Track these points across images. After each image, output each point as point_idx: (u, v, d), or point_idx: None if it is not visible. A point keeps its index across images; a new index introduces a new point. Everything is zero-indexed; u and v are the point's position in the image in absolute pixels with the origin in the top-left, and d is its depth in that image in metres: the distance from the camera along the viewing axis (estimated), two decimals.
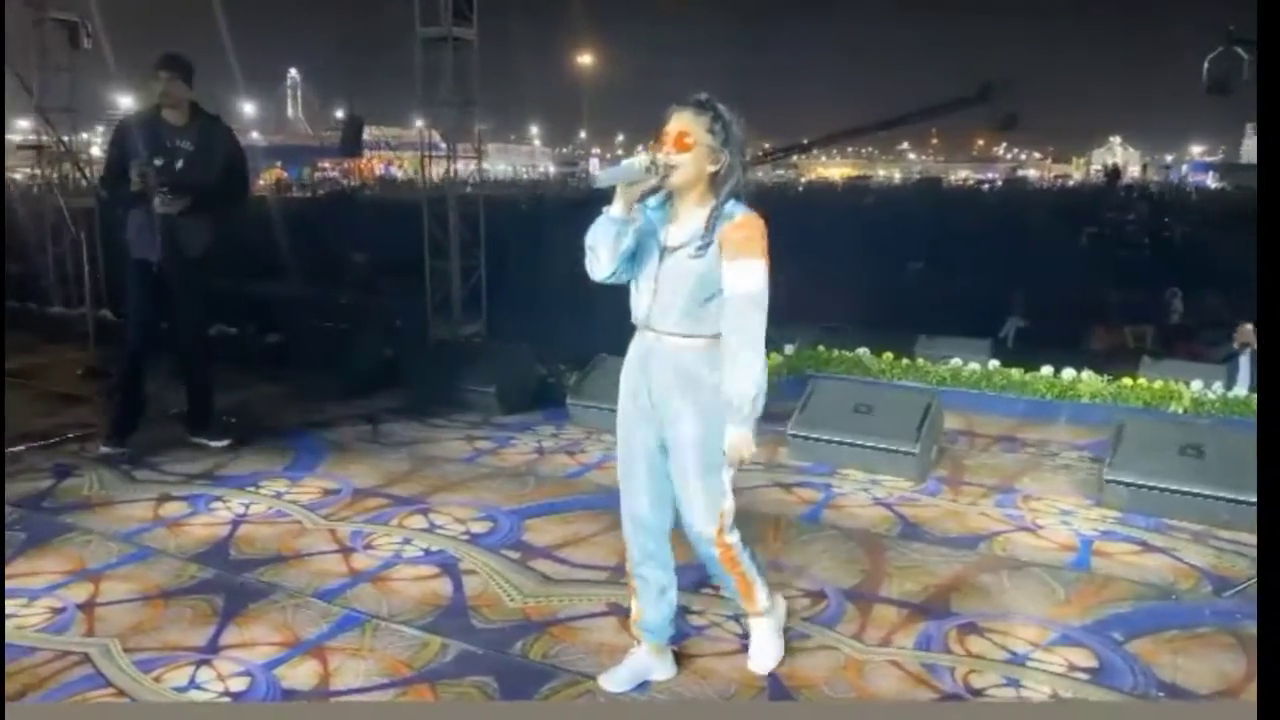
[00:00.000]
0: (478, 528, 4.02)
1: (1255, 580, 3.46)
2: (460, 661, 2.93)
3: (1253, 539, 3.93)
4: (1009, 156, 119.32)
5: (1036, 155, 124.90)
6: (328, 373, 6.49)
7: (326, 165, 66.77)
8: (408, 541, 3.87)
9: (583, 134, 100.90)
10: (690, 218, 2.52)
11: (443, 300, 8.37)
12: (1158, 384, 6.01)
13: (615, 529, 3.95)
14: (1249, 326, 7.01)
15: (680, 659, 2.91)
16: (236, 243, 5.83)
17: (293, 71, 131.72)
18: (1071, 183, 74.11)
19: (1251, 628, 3.18)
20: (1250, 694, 2.77)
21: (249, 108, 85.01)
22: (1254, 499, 4.00)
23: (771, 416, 5.41)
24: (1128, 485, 4.29)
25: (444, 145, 8.89)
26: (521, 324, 7.73)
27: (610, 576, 3.55)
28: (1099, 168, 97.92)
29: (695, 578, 3.24)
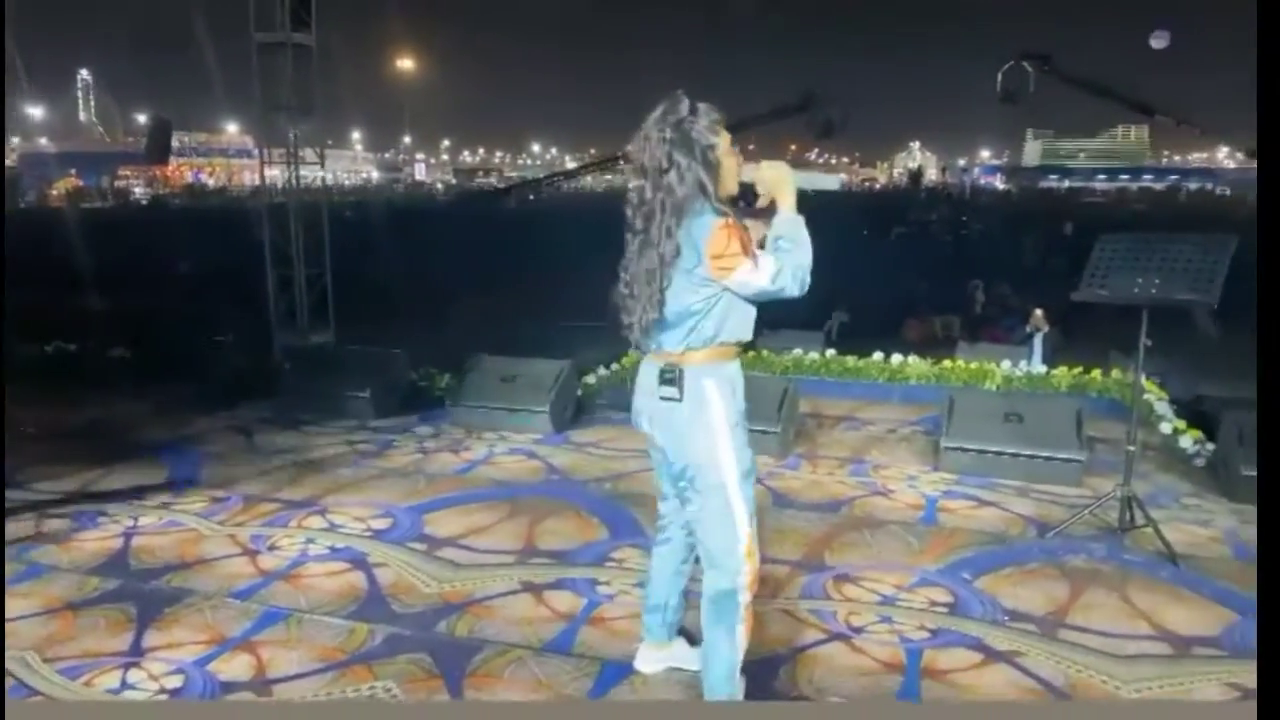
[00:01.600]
0: (379, 524, 4.15)
1: (1070, 522, 4.07)
2: (390, 643, 3.09)
3: (1066, 489, 4.59)
4: (820, 162, 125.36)
5: (845, 160, 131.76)
6: (187, 385, 6.36)
7: (128, 173, 62.63)
8: (311, 541, 3.96)
9: (407, 139, 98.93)
10: None
11: (288, 309, 8.26)
12: (974, 365, 6.74)
13: (514, 517, 4.21)
14: (1039, 312, 7.97)
15: (601, 622, 3.19)
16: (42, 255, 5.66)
17: (84, 72, 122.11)
18: (878, 186, 78.62)
19: (1073, 560, 3.77)
20: (1074, 616, 3.31)
21: (35, 111, 78.37)
22: (1066, 455, 4.67)
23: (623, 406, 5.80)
24: (962, 450, 4.88)
25: (259, 151, 8.69)
26: (369, 330, 7.68)
27: (518, 559, 3.78)
28: (901, 171, 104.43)
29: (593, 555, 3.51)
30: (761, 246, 2.37)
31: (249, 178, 74.08)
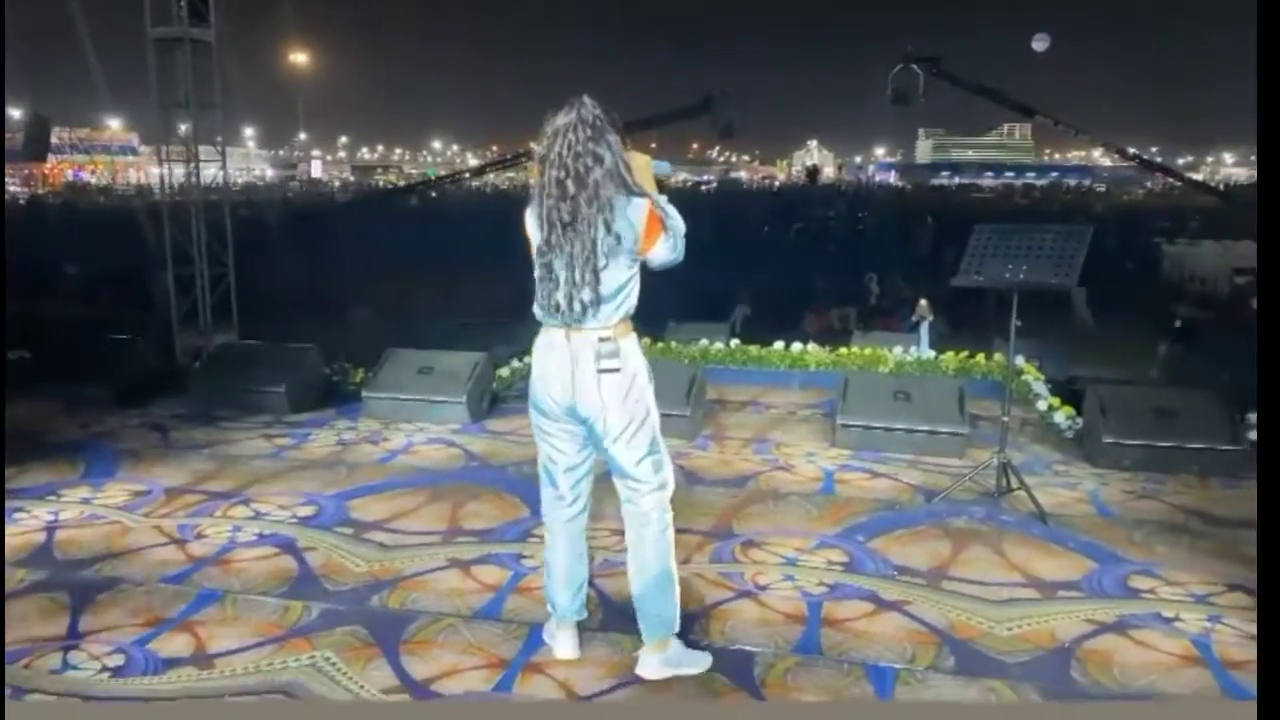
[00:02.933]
0: (304, 512, 4.27)
1: (952, 489, 4.46)
2: (326, 617, 3.25)
3: (951, 460, 4.99)
4: (721, 159, 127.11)
5: (745, 158, 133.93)
6: (93, 385, 6.30)
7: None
8: (238, 529, 4.06)
9: (303, 135, 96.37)
10: None
11: (189, 308, 8.18)
12: (868, 351, 7.17)
13: (437, 501, 4.38)
14: (923, 301, 8.49)
15: (527, 591, 3.41)
16: None
17: None
18: (777, 183, 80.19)
19: (955, 522, 4.15)
20: (955, 569, 3.67)
21: None
22: (950, 430, 5.07)
23: None
24: (855, 428, 5.24)
25: (158, 149, 8.57)
26: (273, 329, 7.62)
27: (444, 539, 3.96)
28: (799, 168, 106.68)
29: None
30: None
31: (134, 175, 71.29)
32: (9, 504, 4.29)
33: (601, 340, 2.66)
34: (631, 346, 2.73)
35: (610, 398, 2.69)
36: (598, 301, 2.62)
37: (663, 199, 2.71)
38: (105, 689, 2.79)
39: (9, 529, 4.01)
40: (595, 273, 2.60)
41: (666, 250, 2.67)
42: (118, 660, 2.95)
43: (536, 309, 2.74)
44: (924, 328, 8.15)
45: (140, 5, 7.67)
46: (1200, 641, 3.10)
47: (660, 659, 2.86)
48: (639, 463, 2.77)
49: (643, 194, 2.63)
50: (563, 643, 2.99)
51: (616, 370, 2.67)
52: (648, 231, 2.61)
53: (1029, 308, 4.29)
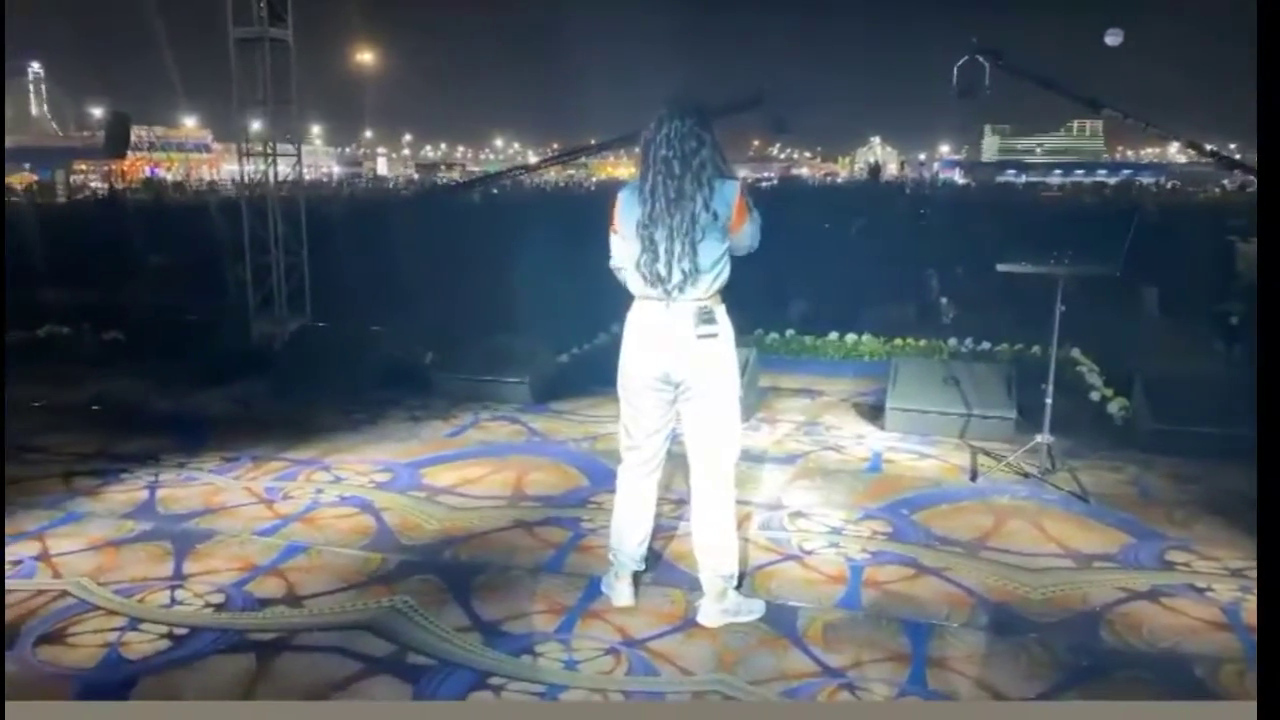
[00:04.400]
0: (380, 478, 4.59)
1: (997, 467, 4.60)
2: (403, 568, 3.54)
3: (999, 445, 5.12)
4: (782, 156, 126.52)
5: (807, 155, 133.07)
6: (181, 364, 6.72)
7: (84, 167, 61.80)
8: (320, 491, 4.38)
9: (368, 133, 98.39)
10: None
11: (264, 296, 8.59)
12: (923, 342, 7.30)
13: (503, 471, 4.66)
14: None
15: (587, 549, 3.67)
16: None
17: (35, 65, 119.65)
18: (839, 180, 79.56)
19: (999, 499, 4.30)
20: (995, 540, 3.83)
21: None
22: (998, 414, 5.20)
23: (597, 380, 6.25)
24: (905, 411, 5.40)
25: (237, 146, 8.95)
26: (345, 316, 7.95)
27: (509, 503, 4.24)
28: (861, 165, 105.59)
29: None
30: None
31: (206, 171, 73.44)
32: (115, 467, 4.68)
33: (701, 309, 2.93)
34: (724, 314, 3.00)
35: (707, 362, 2.96)
36: (696, 271, 2.89)
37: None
38: (209, 621, 3.11)
39: (116, 488, 4.39)
40: (694, 245, 2.87)
41: (750, 235, 2.99)
42: (218, 598, 3.27)
43: (633, 282, 3.01)
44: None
45: (218, 5, 8.07)
46: (1230, 609, 3.23)
47: (719, 609, 3.11)
48: (720, 424, 3.05)
49: (736, 177, 2.97)
50: (621, 592, 3.24)
51: (715, 335, 2.95)
52: (738, 212, 2.91)
53: (1093, 306, 4.41)
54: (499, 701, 2.68)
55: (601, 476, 4.59)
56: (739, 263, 3.03)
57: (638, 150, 3.02)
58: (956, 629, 3.09)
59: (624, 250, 3.01)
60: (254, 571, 3.49)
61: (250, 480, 4.53)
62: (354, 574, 3.48)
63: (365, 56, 79.45)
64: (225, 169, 75.18)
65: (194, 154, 79.49)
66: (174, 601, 3.25)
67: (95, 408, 5.63)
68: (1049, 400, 4.52)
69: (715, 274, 2.93)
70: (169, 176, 64.70)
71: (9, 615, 3.10)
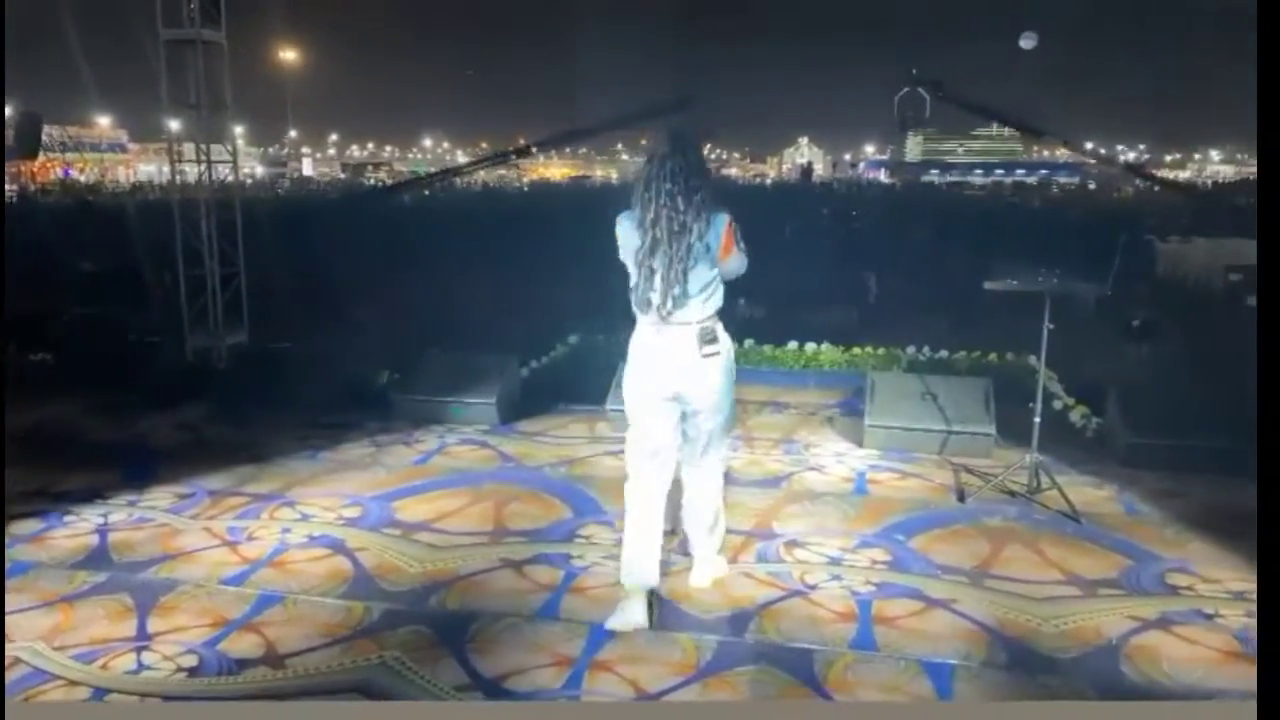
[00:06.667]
0: (349, 513, 4.33)
1: (985, 488, 4.55)
2: (388, 617, 3.31)
3: (979, 460, 5.07)
4: (713, 157, 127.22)
5: (736, 155, 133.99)
6: (119, 387, 6.34)
7: None
8: (287, 530, 4.12)
9: (293, 133, 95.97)
10: None
11: (201, 310, 8.19)
12: (881, 351, 7.27)
13: (479, 502, 4.45)
14: None
15: (582, 591, 3.49)
16: None
17: None
18: (769, 180, 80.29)
19: (990, 521, 4.24)
20: (996, 568, 3.76)
21: None
22: (978, 430, 5.16)
23: (583, 398, 6.08)
24: (883, 428, 5.33)
25: (170, 149, 8.56)
26: (284, 331, 7.64)
27: (491, 539, 4.03)
28: (790, 166, 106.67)
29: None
30: None
31: (123, 174, 70.74)
32: (55, 508, 4.34)
33: (704, 329, 3.16)
34: (724, 334, 3.24)
35: (714, 378, 3.21)
36: (685, 296, 3.10)
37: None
38: (183, 688, 2.86)
39: (61, 532, 4.07)
40: (685, 273, 3.08)
41: (737, 262, 3.22)
42: (191, 661, 3.01)
43: (634, 305, 3.22)
44: None
45: (136, 2, 7.71)
46: (1242, 637, 3.20)
47: (707, 572, 3.55)
48: (721, 429, 3.37)
49: (726, 212, 3.14)
50: (636, 612, 3.23)
51: (718, 354, 3.19)
52: (726, 244, 3.13)
53: (1023, 310, 4.42)
54: (499, 701, 2.66)
55: (584, 506, 4.42)
56: None
57: (632, 179, 3.28)
58: (978, 669, 2.99)
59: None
60: (227, 627, 3.23)
61: (209, 519, 4.24)
62: (337, 626, 3.24)
63: (288, 54, 77.62)
64: (143, 170, 72.71)
65: (109, 154, 76.59)
66: (141, 666, 2.98)
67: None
68: (1038, 419, 4.48)
69: (705, 298, 3.15)
70: (83, 178, 62.26)
71: None
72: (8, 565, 3.70)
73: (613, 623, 3.20)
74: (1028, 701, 2.81)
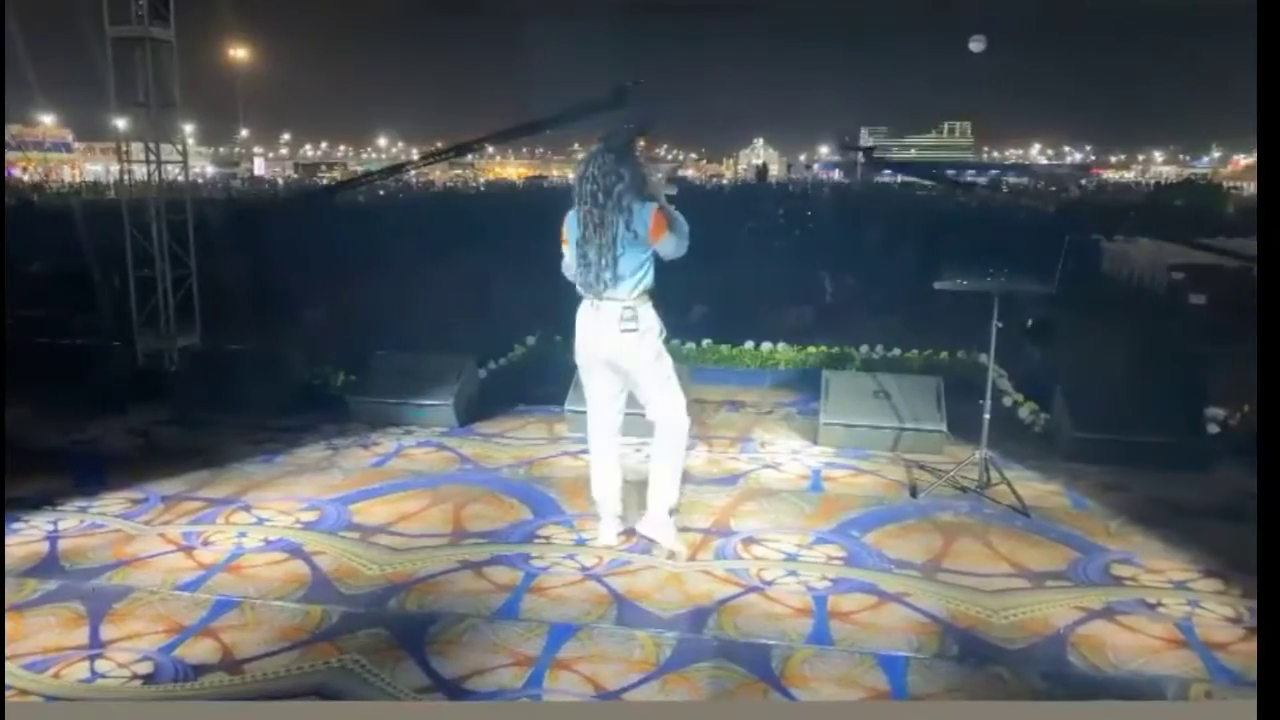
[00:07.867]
0: (306, 516, 4.30)
1: (937, 484, 4.64)
2: (347, 620, 3.30)
3: (930, 456, 5.17)
4: (669, 158, 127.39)
5: (693, 157, 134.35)
6: (67, 389, 6.23)
7: None
8: (244, 535, 4.08)
9: (244, 132, 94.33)
10: None
11: (151, 312, 8.06)
12: (835, 350, 7.37)
13: (438, 504, 4.44)
14: None
15: (541, 590, 3.51)
16: None
17: None
18: (725, 181, 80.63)
19: (942, 516, 4.33)
20: (948, 561, 3.85)
21: None
22: (929, 427, 5.26)
23: (542, 399, 6.08)
24: (838, 426, 5.41)
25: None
26: (236, 332, 7.47)
27: (450, 541, 4.03)
28: (745, 166, 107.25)
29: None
30: None
31: (69, 173, 69.11)
32: (5, 514, 4.25)
33: (625, 308, 3.61)
34: (648, 311, 3.66)
35: (630, 348, 3.65)
36: (616, 279, 3.58)
37: (670, 206, 3.64)
38: (139, 695, 2.83)
39: (11, 540, 3.99)
40: (615, 259, 3.56)
41: (673, 243, 3.64)
42: (146, 668, 2.98)
43: (577, 286, 3.71)
44: None
45: (84, 1, 7.57)
46: (1184, 625, 3.31)
47: (658, 522, 3.85)
48: (661, 388, 3.76)
49: (653, 199, 3.57)
50: (606, 531, 3.96)
51: (634, 330, 3.62)
52: (655, 229, 3.56)
53: (963, 310, 4.54)
54: (461, 702, 2.70)
55: (543, 506, 4.44)
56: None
57: (571, 179, 3.74)
58: (930, 660, 3.06)
59: (569, 259, 3.72)
60: (183, 633, 3.20)
61: (163, 525, 4.19)
62: (295, 630, 3.23)
63: (239, 52, 76.39)
64: (89, 169, 71.08)
65: (54, 154, 74.78)
66: (95, 674, 2.94)
67: None
68: (988, 416, 4.58)
69: (636, 279, 3.61)
70: (26, 177, 60.72)
71: None
72: None
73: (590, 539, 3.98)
74: (1028, 702, 2.85)
